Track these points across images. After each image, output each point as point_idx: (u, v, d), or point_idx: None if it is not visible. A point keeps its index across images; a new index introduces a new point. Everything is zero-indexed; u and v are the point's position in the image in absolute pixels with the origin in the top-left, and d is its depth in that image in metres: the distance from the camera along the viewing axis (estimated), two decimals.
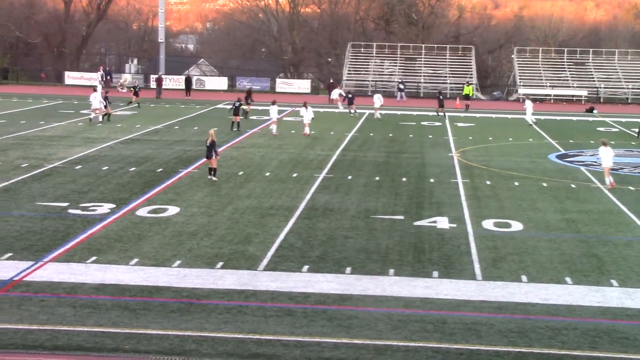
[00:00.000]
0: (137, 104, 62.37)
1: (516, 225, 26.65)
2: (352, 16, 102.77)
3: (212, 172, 32.97)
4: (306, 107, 47.72)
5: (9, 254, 21.94)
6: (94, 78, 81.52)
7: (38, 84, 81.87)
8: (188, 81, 77.65)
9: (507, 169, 37.57)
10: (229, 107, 52.30)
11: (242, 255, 22.53)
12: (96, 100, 52.17)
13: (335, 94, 68.10)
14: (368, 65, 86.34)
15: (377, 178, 34.44)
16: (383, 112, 59.45)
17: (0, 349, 15.74)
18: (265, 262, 21.95)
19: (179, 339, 16.52)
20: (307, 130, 47.50)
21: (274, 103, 49.20)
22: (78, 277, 20.18)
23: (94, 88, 55.96)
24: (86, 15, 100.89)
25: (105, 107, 52.72)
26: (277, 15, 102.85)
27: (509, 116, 63.81)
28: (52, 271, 20.67)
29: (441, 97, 62.27)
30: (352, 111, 60.74)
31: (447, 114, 60.92)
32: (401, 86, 77.26)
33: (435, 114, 61.19)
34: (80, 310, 17.96)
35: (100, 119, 51.99)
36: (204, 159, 33.27)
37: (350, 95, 62.78)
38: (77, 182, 31.97)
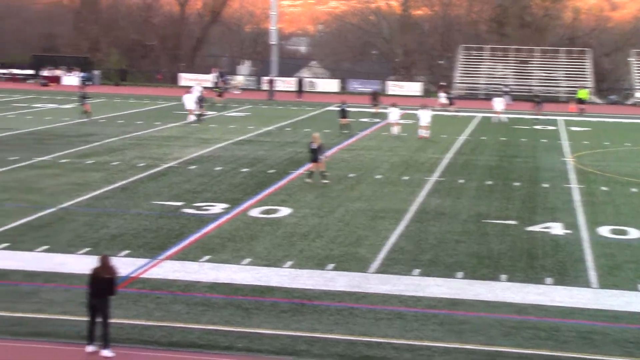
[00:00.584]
0: (222, 105, 62.96)
1: (634, 233, 26.02)
2: (464, 18, 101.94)
3: (310, 175, 33.00)
4: (424, 109, 47.51)
5: (127, 251, 22.50)
6: (207, 80, 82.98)
7: (154, 85, 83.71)
8: (300, 83, 78.25)
9: (624, 174, 36.70)
10: (337, 109, 52.49)
11: (353, 257, 22.60)
12: (189, 101, 53.14)
13: (442, 97, 67.87)
14: (480, 67, 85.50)
15: (490, 182, 34.08)
16: (495, 115, 58.70)
17: (118, 343, 16.15)
18: (375, 264, 21.97)
19: (290, 339, 16.68)
20: (424, 132, 47.21)
21: (394, 105, 49.50)
22: (192, 276, 20.56)
23: (187, 90, 56.93)
24: (200, 17, 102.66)
25: (201, 107, 53.50)
26: (388, 17, 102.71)
27: (626, 120, 62.32)
28: (168, 269, 21.11)
29: (538, 101, 61.45)
30: (454, 112, 60.77)
31: (556, 117, 59.82)
32: (505, 89, 76.21)
33: (535, 117, 60.18)
34: (195, 308, 18.30)
35: (193, 118, 52.80)
36: (310, 164, 33.30)
37: (451, 96, 63.03)
38: (191, 182, 32.56)
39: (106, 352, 15.69)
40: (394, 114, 48.85)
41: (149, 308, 18.17)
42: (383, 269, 21.55)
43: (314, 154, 32.84)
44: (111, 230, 24.73)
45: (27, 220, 25.55)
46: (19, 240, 23.23)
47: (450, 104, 62.62)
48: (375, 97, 59.89)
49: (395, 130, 48.57)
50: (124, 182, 32.20)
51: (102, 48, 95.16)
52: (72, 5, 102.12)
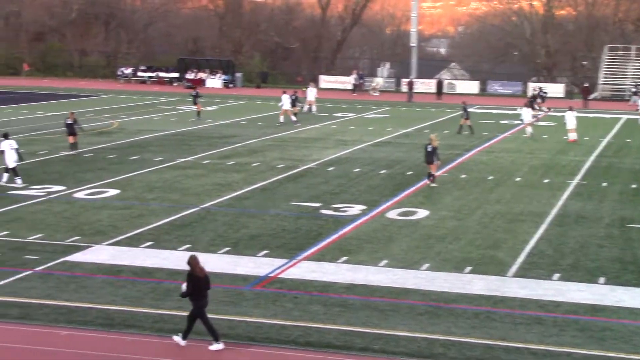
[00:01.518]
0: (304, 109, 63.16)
1: None
2: (610, 18, 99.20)
3: (431, 178, 32.53)
4: (571, 112, 46.51)
5: (266, 251, 22.85)
6: (347, 81, 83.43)
7: (295, 88, 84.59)
8: (439, 85, 77.81)
9: None
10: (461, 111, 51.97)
11: (491, 260, 22.32)
12: (287, 101, 53.44)
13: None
14: (626, 68, 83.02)
15: (634, 185, 33.10)
16: (631, 117, 57.00)
17: (256, 342, 16.43)
18: (514, 268, 21.64)
19: (426, 341, 16.61)
20: (572, 135, 46.14)
21: (526, 106, 49.00)
22: (329, 276, 20.71)
23: (283, 90, 57.50)
24: (341, 20, 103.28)
25: (293, 106, 53.93)
26: (530, 17, 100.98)
27: None
28: (305, 269, 21.33)
29: None
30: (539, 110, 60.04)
31: None
32: (634, 89, 73.69)
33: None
34: (331, 308, 18.43)
35: (294, 118, 53.25)
36: (429, 164, 33.01)
37: (542, 94, 62.75)
38: (329, 183, 32.81)
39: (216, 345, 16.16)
40: (526, 115, 48.19)
41: (286, 308, 18.40)
42: (522, 273, 21.22)
43: (430, 156, 32.41)
44: (250, 230, 25.16)
45: (170, 220, 26.27)
46: (162, 239, 23.91)
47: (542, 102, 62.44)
48: (534, 100, 59.05)
49: (528, 131, 47.85)
50: (263, 182, 32.71)
51: (244, 51, 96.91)
52: (217, 9, 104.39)
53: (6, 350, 15.78)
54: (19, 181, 31.22)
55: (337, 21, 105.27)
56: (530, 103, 56.73)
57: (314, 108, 61.16)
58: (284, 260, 22.03)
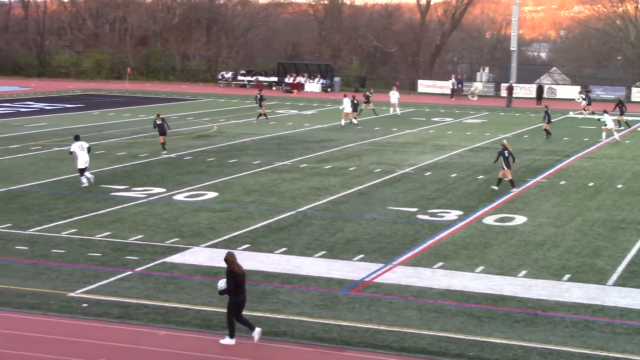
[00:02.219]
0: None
1: None
2: None
3: (498, 182, 32.26)
4: None
5: (361, 255, 22.87)
6: (445, 86, 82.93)
7: (362, 91, 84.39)
8: (539, 90, 76.73)
9: None
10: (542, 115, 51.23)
11: (590, 268, 21.92)
12: (348, 104, 53.54)
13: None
14: None
15: None
16: None
17: (350, 346, 16.46)
18: (614, 277, 21.20)
19: (522, 349, 16.40)
20: None
21: (605, 112, 48.40)
22: (425, 282, 20.62)
23: (344, 93, 57.96)
24: (441, 24, 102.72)
25: (354, 110, 54.19)
26: (635, 21, 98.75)
27: None
28: (400, 274, 21.28)
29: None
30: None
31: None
32: None
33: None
34: (427, 314, 18.35)
35: (355, 121, 53.71)
36: (502, 170, 32.64)
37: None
38: (426, 188, 32.67)
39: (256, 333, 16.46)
40: (608, 121, 47.32)
41: (381, 312, 18.39)
42: (622, 282, 20.78)
43: (507, 161, 32.04)
44: (346, 234, 25.22)
45: (267, 223, 26.51)
46: (259, 242, 24.15)
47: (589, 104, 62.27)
48: (621, 105, 57.69)
49: (615, 136, 46.98)
50: (360, 187, 32.75)
51: (343, 55, 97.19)
52: (317, 14, 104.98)
53: (106, 348, 16.15)
54: (84, 180, 31.94)
55: (436, 25, 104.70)
56: (620, 108, 55.54)
57: (397, 110, 61.79)
58: (380, 265, 22.03)
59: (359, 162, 38.66)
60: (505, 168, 32.15)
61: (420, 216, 27.76)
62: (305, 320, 17.77)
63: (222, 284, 16.44)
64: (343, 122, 53.62)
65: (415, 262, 22.41)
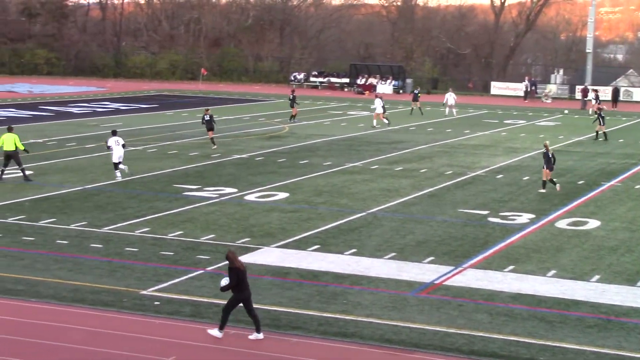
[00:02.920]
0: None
1: None
2: None
3: (551, 182, 32.13)
4: None
5: (431, 258, 22.79)
6: (519, 88, 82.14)
7: (464, 94, 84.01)
8: (615, 92, 75.51)
9: None
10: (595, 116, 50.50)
11: None
12: (379, 105, 53.70)
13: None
14: None
15: None
16: None
17: (419, 349, 16.41)
18: None
19: (595, 355, 16.18)
20: None
21: None
22: (495, 285, 20.46)
23: (376, 94, 58.58)
24: (515, 26, 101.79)
25: (384, 111, 54.29)
26: None
27: None
28: (471, 277, 21.15)
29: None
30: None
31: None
32: None
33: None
34: (497, 317, 18.21)
35: (386, 121, 53.89)
36: (544, 170, 32.51)
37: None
38: (497, 190, 32.40)
39: (257, 335, 16.83)
40: None
41: (451, 315, 18.31)
42: None
43: (548, 162, 31.94)
44: (417, 236, 25.15)
45: (338, 224, 26.56)
46: (329, 243, 24.20)
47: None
48: None
49: None
50: (431, 189, 32.62)
51: (415, 57, 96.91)
52: (390, 15, 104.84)
53: (177, 346, 16.35)
54: (118, 174, 33.27)
55: (510, 27, 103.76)
56: None
57: (454, 112, 61.96)
58: (450, 268, 21.92)
59: (430, 164, 38.51)
60: (546, 169, 32.10)
61: (491, 219, 27.55)
62: (374, 322, 17.77)
63: (224, 281, 16.74)
64: (375, 122, 53.76)
65: (485, 265, 22.25)
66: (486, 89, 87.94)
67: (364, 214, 28.06)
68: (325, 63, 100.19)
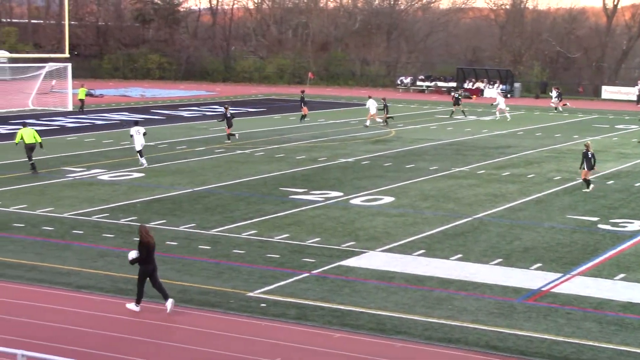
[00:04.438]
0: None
1: None
2: None
3: (587, 184, 32.21)
4: None
5: (538, 264, 22.47)
6: (631, 92, 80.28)
7: (574, 98, 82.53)
8: None
9: None
10: None
11: None
12: (373, 106, 54.26)
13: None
14: None
15: None
16: None
17: (526, 356, 16.21)
18: None
19: None
20: None
21: None
22: (605, 293, 20.06)
23: (369, 95, 58.80)
24: (628, 28, 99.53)
25: (387, 112, 55.08)
26: None
27: None
28: (579, 285, 20.78)
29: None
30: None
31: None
32: None
33: None
34: (607, 326, 17.85)
35: (379, 119, 54.81)
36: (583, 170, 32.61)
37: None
38: (608, 197, 31.75)
39: (170, 303, 18.23)
40: None
41: (559, 323, 18.02)
42: None
43: (587, 162, 31.98)
44: (524, 242, 24.84)
45: (443, 228, 26.43)
46: (435, 248, 24.10)
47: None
48: None
49: None
50: (539, 194, 32.16)
51: (524, 60, 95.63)
52: (499, 19, 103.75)
53: (283, 348, 16.51)
54: (143, 161, 36.88)
55: (623, 30, 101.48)
56: None
57: (507, 115, 61.25)
58: (558, 275, 21.58)
59: (538, 169, 37.97)
60: (586, 169, 32.18)
61: (601, 226, 27.01)
62: (479, 328, 17.63)
63: (133, 254, 18.16)
64: (368, 122, 54.75)
65: (595, 272, 21.83)
66: (597, 93, 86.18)
67: (470, 219, 27.85)
68: (432, 67, 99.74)
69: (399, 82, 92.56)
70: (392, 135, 50.65)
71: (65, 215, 27.44)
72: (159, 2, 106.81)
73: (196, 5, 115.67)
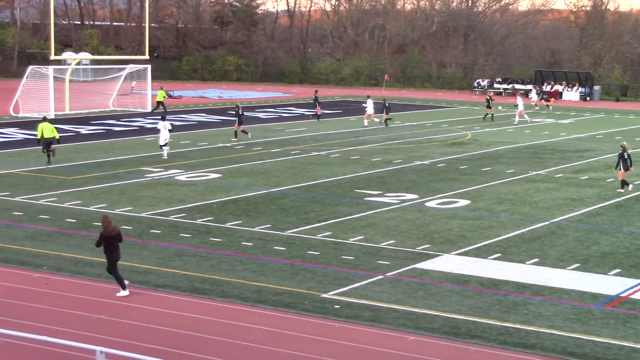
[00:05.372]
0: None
1: None
2: None
3: (624, 183, 32.31)
4: None
5: (617, 270, 22.12)
6: None
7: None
8: None
9: None
10: None
11: None
12: (370, 106, 55.13)
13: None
14: None
15: None
16: None
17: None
18: None
19: None
20: None
21: None
22: None
23: (368, 94, 60.11)
24: None
25: (387, 113, 55.54)
26: None
27: None
28: None
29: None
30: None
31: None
32: None
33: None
34: None
35: (377, 119, 55.58)
36: (620, 171, 32.63)
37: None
38: None
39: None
40: None
41: (638, 330, 17.71)
42: None
43: (624, 163, 32.14)
44: (602, 247, 24.46)
45: (519, 232, 26.17)
46: (510, 252, 23.88)
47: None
48: None
49: None
50: (618, 199, 31.64)
51: (604, 63, 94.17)
52: (578, 20, 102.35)
53: (356, 350, 16.54)
54: (165, 154, 39.05)
55: None
56: None
57: (526, 117, 60.48)
58: (637, 281, 21.20)
59: (613, 173, 37.28)
60: (622, 170, 32.27)
61: None
62: (556, 334, 17.42)
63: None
64: (366, 122, 55.21)
65: None
66: None
67: (546, 223, 27.53)
68: (509, 70, 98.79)
69: (475, 85, 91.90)
70: (469, 137, 50.31)
71: (144, 214, 27.88)
72: (237, 4, 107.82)
73: (274, 7, 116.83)
